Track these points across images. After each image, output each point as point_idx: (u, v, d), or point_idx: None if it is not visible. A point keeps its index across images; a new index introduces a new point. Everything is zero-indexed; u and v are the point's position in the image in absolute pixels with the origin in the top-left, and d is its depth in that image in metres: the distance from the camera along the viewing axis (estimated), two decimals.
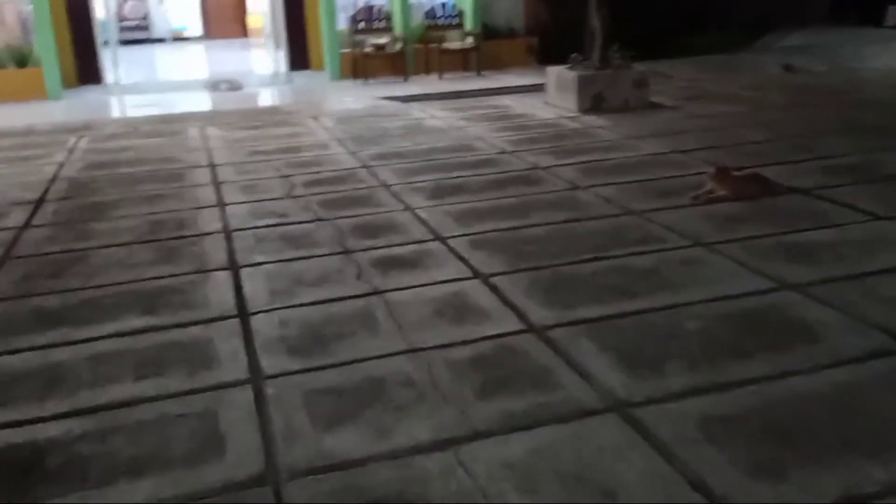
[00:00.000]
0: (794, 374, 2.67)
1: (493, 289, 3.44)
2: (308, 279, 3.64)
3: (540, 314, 3.18)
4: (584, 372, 2.73)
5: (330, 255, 3.97)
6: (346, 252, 3.98)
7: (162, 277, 3.77)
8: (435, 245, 4.03)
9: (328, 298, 3.41)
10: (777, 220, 4.15)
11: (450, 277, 3.59)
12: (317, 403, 2.61)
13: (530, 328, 3.07)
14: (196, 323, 3.26)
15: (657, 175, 5.17)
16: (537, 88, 8.68)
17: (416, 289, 3.47)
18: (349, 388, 2.69)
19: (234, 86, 10.81)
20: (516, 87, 9.49)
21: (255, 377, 2.80)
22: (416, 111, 8.29)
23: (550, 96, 8.17)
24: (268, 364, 2.88)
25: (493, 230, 4.21)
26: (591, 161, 5.65)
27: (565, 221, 4.32)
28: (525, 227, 4.25)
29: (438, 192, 5.01)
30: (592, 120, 7.18)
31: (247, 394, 2.69)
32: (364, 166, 5.85)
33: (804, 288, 3.31)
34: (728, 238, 3.93)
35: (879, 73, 9.13)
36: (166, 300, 3.50)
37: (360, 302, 3.37)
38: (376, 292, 3.45)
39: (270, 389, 2.71)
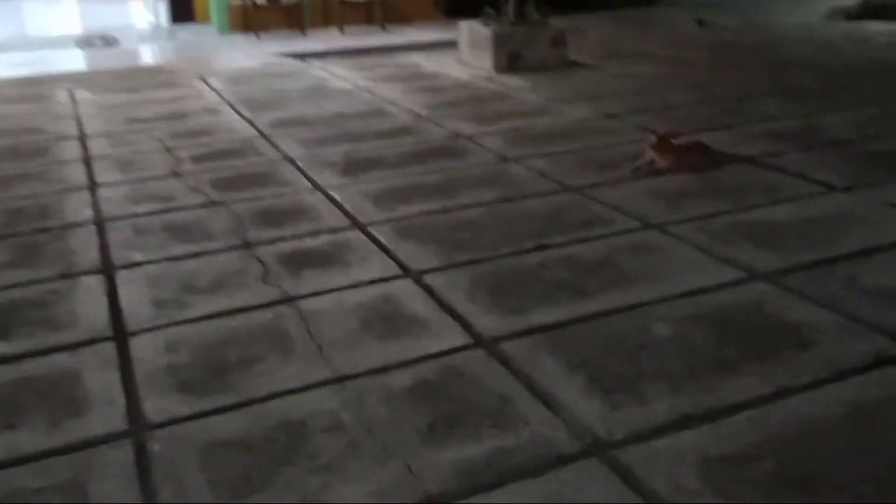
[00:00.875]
0: (792, 391, 2.27)
1: (429, 291, 2.90)
2: (201, 284, 3.01)
3: (487, 322, 2.67)
4: (550, 400, 2.25)
5: (227, 249, 3.33)
6: (247, 246, 3.36)
7: (17, 286, 3.06)
8: (353, 234, 3.45)
9: (228, 310, 2.80)
10: (729, 195, 3.77)
11: (375, 277, 3.03)
12: (218, 464, 2.03)
13: (478, 341, 2.57)
14: (60, 349, 2.60)
15: (590, 144, 4.73)
16: (447, 45, 8.09)
17: (336, 293, 2.90)
18: (259, 439, 2.12)
19: (108, 41, 9.72)
20: (425, 43, 8.86)
21: (136, 427, 2.19)
22: (318, 70, 7.56)
23: (463, 54, 7.60)
24: (152, 407, 2.27)
25: (419, 213, 3.66)
26: (516, 128, 5.15)
27: (498, 201, 3.82)
28: (454, 208, 3.73)
29: (351, 168, 4.41)
30: (511, 80, 6.67)
31: (125, 453, 2.08)
32: (262, 135, 5.16)
33: (777, 278, 2.93)
34: (679, 218, 3.52)
35: (798, 30, 8.96)
36: (22, 317, 2.81)
37: (268, 314, 2.77)
38: (287, 300, 2.86)
39: (156, 446, 2.11)
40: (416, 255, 3.20)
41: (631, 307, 2.76)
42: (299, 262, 3.18)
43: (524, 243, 3.29)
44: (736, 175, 4.09)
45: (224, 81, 7.05)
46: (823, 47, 7.82)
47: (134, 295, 2.94)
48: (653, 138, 4.23)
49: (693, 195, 3.80)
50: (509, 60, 7.02)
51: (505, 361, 2.45)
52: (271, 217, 3.68)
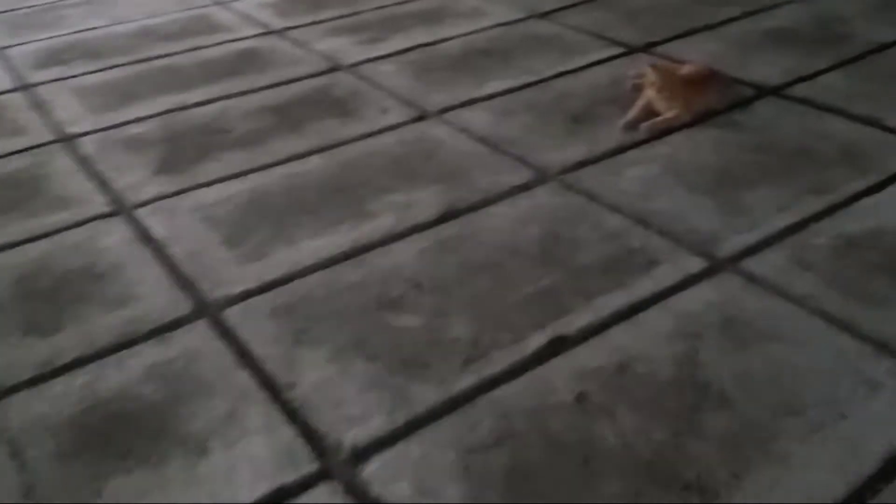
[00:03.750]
0: None
1: None
2: None
3: None
4: None
5: None
6: None
7: None
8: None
9: None
10: (797, 172, 2.42)
11: None
12: None
13: None
14: None
15: (541, 73, 3.18)
16: None
17: None
18: None
19: None
20: None
21: None
22: None
23: None
24: None
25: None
26: (416, 46, 3.51)
27: (439, 218, 2.29)
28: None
29: (169, 164, 2.69)
30: None
31: None
32: (22, 87, 3.26)
33: None
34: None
35: None
36: None
37: None
38: None
39: None
40: None
41: None
42: None
43: None
44: (771, 119, 2.73)
45: None
46: None
47: None
48: (650, 71, 2.75)
49: (746, 178, 2.42)
50: None
51: None
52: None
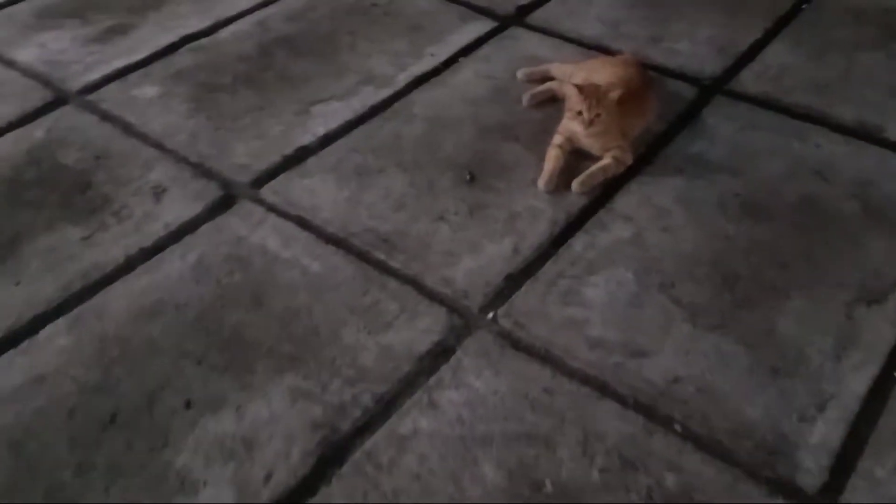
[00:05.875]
0: None
1: None
2: None
3: None
4: None
5: None
6: None
7: None
8: None
9: None
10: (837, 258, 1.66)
11: None
12: None
13: None
14: None
15: (390, 81, 2.14)
16: None
17: None
18: None
19: None
20: None
21: None
22: None
23: None
24: None
25: None
26: (184, 40, 2.30)
27: None
28: None
29: None
30: None
31: None
32: None
33: None
34: None
35: None
36: None
37: None
38: None
39: None
40: None
41: None
42: None
43: None
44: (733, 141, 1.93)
45: None
46: None
47: None
48: (571, 96, 1.81)
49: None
50: None
51: None
52: None
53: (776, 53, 2.23)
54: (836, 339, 1.46)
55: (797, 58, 2.21)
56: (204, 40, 2.32)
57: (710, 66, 2.18)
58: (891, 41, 2.26)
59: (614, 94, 1.75)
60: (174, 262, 1.61)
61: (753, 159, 1.87)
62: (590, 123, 1.76)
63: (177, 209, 1.74)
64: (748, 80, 2.13)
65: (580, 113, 1.76)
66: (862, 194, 1.77)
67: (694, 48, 2.25)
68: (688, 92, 2.09)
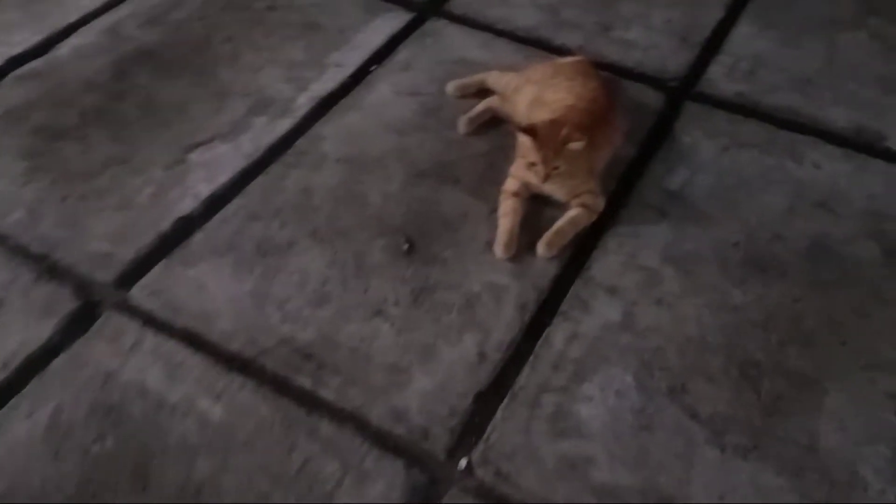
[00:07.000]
0: None
1: None
2: None
3: None
4: None
5: None
6: None
7: None
8: None
9: None
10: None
11: None
12: None
13: None
14: None
15: (288, 107, 1.69)
16: None
17: None
18: None
19: None
20: None
21: None
22: None
23: None
24: None
25: None
26: (17, 59, 1.77)
27: None
28: None
29: None
30: None
31: None
32: None
33: None
34: None
35: None
36: None
37: None
38: None
39: None
40: None
41: None
42: None
43: None
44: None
45: None
46: None
47: None
48: (522, 142, 1.42)
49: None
50: None
51: None
52: None
53: (745, 39, 1.89)
54: (890, 446, 1.17)
55: (770, 43, 1.88)
56: (37, 62, 1.79)
57: (673, 60, 1.83)
58: (870, 16, 1.96)
59: (576, 145, 1.37)
60: (20, 426, 1.17)
61: (746, 192, 1.54)
62: (546, 178, 1.39)
63: (16, 335, 1.28)
64: (719, 77, 1.79)
65: (534, 163, 1.38)
66: (877, 232, 1.47)
67: (650, 37, 1.89)
68: (653, 99, 1.73)
